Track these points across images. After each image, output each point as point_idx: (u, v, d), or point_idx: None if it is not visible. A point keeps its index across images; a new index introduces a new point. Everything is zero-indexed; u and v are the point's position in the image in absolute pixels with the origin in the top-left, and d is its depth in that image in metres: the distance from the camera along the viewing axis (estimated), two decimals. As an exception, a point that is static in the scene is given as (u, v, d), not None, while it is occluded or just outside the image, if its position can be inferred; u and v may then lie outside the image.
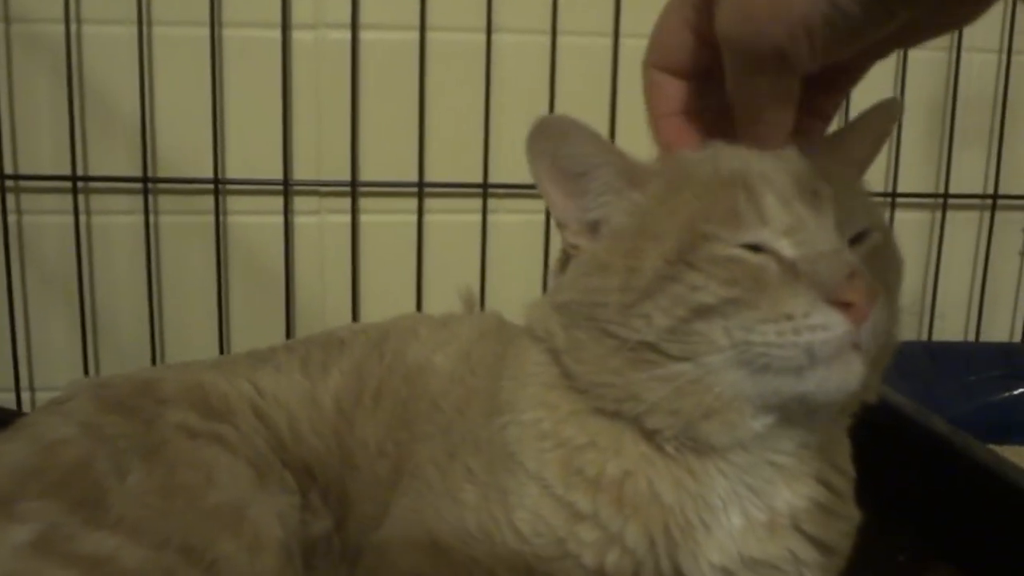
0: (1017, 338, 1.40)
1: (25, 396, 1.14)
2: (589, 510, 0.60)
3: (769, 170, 0.58)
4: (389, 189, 1.18)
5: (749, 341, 0.54)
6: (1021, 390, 1.24)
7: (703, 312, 0.55)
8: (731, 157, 0.60)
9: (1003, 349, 1.34)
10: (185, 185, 1.13)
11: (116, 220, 1.14)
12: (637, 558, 0.59)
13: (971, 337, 1.36)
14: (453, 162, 1.18)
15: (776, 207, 0.56)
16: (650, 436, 0.59)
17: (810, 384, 0.54)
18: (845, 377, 0.53)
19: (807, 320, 0.52)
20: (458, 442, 0.69)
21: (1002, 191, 1.33)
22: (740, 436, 0.58)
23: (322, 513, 0.74)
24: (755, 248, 0.56)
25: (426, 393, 0.77)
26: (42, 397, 1.13)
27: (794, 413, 0.57)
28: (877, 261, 0.57)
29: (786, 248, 0.55)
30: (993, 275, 1.36)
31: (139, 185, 1.11)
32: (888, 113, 0.66)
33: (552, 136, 0.61)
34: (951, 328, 1.37)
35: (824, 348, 0.52)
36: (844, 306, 0.52)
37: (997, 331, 1.40)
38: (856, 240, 0.58)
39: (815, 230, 0.55)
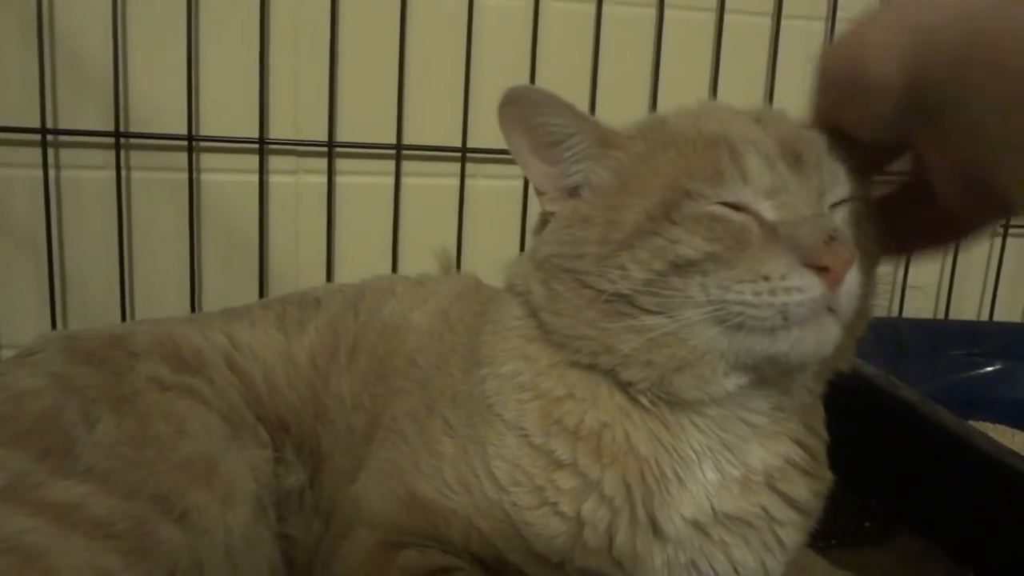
0: (985, 317, 1.42)
1: (-9, 353, 1.12)
2: (568, 458, 0.60)
3: (753, 132, 0.59)
4: (367, 150, 1.17)
5: (726, 300, 0.54)
6: (986, 368, 1.26)
7: (682, 267, 0.55)
8: (715, 118, 0.61)
9: (970, 328, 1.36)
10: (158, 141, 1.11)
11: (86, 175, 1.11)
12: (614, 507, 0.60)
13: (940, 316, 1.38)
14: (432, 125, 1.18)
15: (759, 168, 0.57)
16: (625, 389, 0.60)
17: (784, 345, 0.54)
18: (819, 339, 0.54)
19: (784, 282, 0.53)
20: (436, 396, 0.69)
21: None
22: (712, 392, 0.58)
23: (295, 467, 0.74)
24: (737, 207, 0.56)
25: (403, 349, 0.77)
26: (7, 354, 1.10)
27: (768, 374, 0.58)
28: (857, 229, 0.58)
29: (767, 210, 0.56)
30: (963, 254, 1.37)
31: (111, 140, 1.09)
32: None
33: (523, 106, 0.62)
34: (921, 306, 1.39)
35: (799, 310, 0.53)
36: (821, 270, 0.53)
37: (966, 311, 1.42)
38: (837, 206, 0.58)
39: (796, 193, 0.56)
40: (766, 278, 0.53)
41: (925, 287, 1.39)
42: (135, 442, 0.64)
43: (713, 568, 0.61)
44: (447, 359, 0.71)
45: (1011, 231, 1.39)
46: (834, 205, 0.58)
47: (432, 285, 0.87)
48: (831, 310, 0.54)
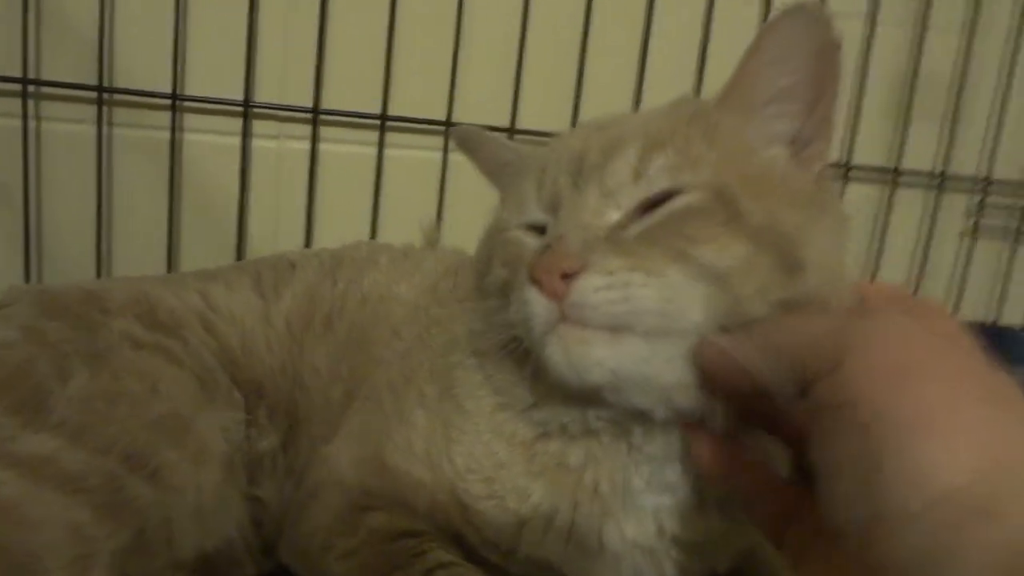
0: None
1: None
2: (507, 460, 0.61)
3: (569, 146, 0.58)
4: (351, 119, 1.16)
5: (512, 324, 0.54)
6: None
7: (504, 291, 0.56)
8: (574, 134, 0.61)
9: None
10: (141, 98, 1.10)
11: (67, 128, 1.10)
12: (547, 514, 0.60)
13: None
14: (418, 97, 1.17)
15: (541, 187, 0.57)
16: None
17: (549, 365, 0.51)
18: (568, 352, 0.49)
19: (519, 296, 0.52)
20: (415, 368, 0.70)
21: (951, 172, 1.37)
22: (574, 423, 0.57)
23: (268, 431, 0.75)
24: (542, 229, 0.56)
25: (387, 320, 0.78)
26: (-20, 308, 1.10)
27: (608, 402, 0.53)
28: (675, 225, 0.52)
29: (551, 226, 0.55)
30: (934, 254, 1.40)
31: (93, 94, 1.07)
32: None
33: (464, 147, 0.69)
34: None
35: (531, 324, 0.51)
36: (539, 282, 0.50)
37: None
38: (657, 203, 0.53)
39: (570, 206, 0.54)
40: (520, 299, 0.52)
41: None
42: (108, 398, 0.65)
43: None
44: (430, 332, 0.72)
45: (980, 231, 1.42)
46: (650, 204, 0.53)
47: (418, 258, 0.87)
48: (572, 321, 0.49)
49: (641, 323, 0.48)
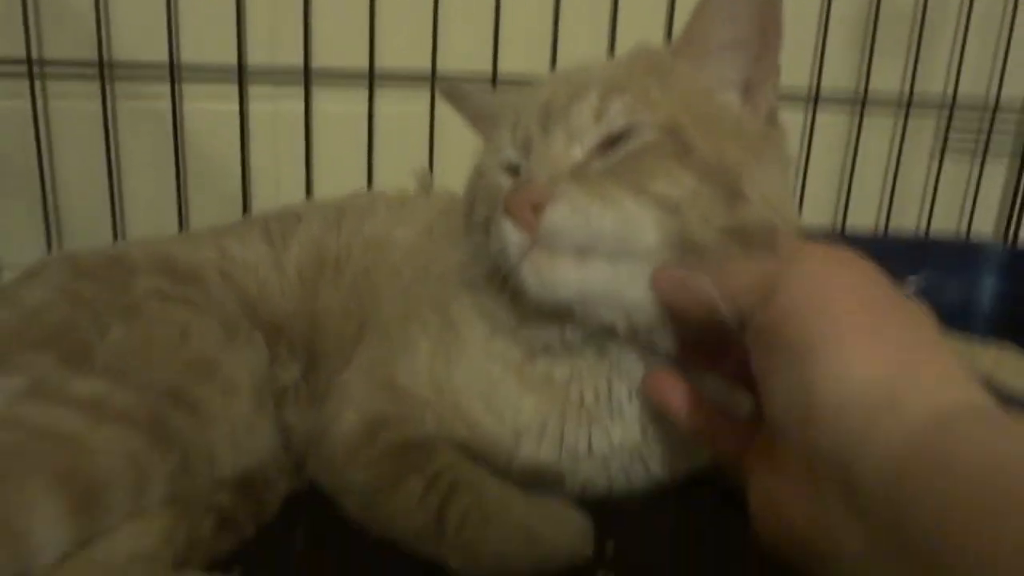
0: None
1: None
2: (501, 379, 0.69)
3: (538, 95, 0.65)
4: (341, 77, 1.21)
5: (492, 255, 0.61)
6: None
7: (485, 227, 0.63)
8: (537, 88, 0.68)
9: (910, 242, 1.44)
10: (140, 71, 1.15)
11: (72, 105, 1.15)
12: (537, 427, 0.68)
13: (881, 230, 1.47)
14: (404, 50, 1.22)
15: (514, 130, 0.64)
16: None
17: (522, 285, 0.58)
18: (540, 274, 0.56)
19: (496, 229, 0.59)
20: (416, 302, 0.77)
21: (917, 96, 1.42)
22: (551, 340, 0.65)
23: (289, 364, 0.82)
24: (516, 170, 0.64)
25: (388, 262, 0.85)
26: (6, 276, 1.16)
27: (579, 320, 0.61)
28: (635, 161, 0.58)
29: (523, 166, 0.62)
30: (904, 175, 1.46)
31: (95, 70, 1.12)
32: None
33: (451, 100, 0.76)
34: (864, 221, 1.48)
35: (507, 252, 0.57)
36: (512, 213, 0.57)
37: (907, 225, 1.51)
38: (616, 141, 0.59)
39: (539, 146, 0.61)
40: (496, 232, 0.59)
41: (866, 205, 1.48)
42: (144, 345, 0.71)
43: (649, 473, 0.70)
44: (428, 269, 0.79)
45: (948, 151, 1.47)
46: (609, 141, 0.59)
47: (413, 204, 0.94)
48: (543, 247, 0.56)
49: (602, 247, 0.56)
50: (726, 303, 0.52)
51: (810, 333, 0.45)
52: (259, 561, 0.67)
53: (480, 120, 0.75)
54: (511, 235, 0.57)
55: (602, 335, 0.63)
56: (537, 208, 0.55)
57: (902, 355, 0.43)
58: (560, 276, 0.56)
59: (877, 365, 0.42)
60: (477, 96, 0.75)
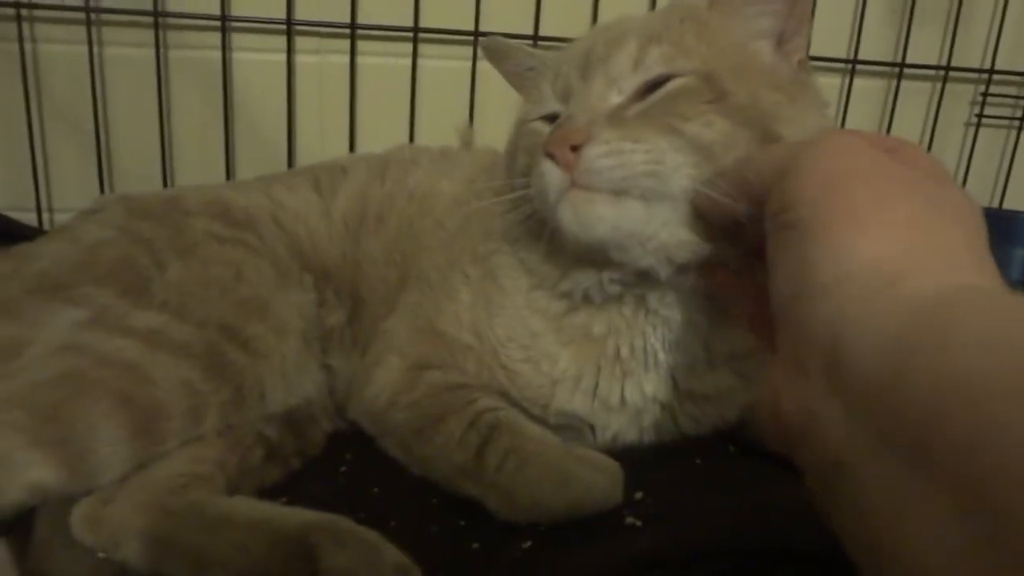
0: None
1: (44, 217, 1.22)
2: (540, 331, 0.72)
3: (578, 47, 0.68)
4: (386, 33, 1.23)
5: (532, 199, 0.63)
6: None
7: (526, 174, 0.65)
8: (577, 41, 0.70)
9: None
10: (192, 21, 1.18)
11: (126, 52, 1.19)
12: (574, 378, 0.71)
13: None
14: (448, 9, 1.23)
15: (555, 81, 0.67)
16: None
17: (559, 223, 0.60)
18: (577, 212, 0.59)
19: (537, 171, 0.61)
20: (458, 253, 0.80)
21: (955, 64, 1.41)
22: (592, 289, 0.67)
23: (336, 308, 0.86)
24: (554, 118, 0.65)
25: (431, 213, 0.88)
26: (58, 217, 1.21)
27: (614, 264, 0.64)
28: (669, 102, 0.60)
29: (563, 113, 0.64)
30: (939, 144, 1.45)
31: (150, 19, 1.15)
32: None
33: (492, 57, 0.78)
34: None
35: (547, 192, 0.60)
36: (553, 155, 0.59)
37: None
38: (653, 88, 0.62)
39: (579, 94, 0.64)
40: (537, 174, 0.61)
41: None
42: (200, 283, 0.75)
43: (678, 426, 0.73)
44: (470, 222, 0.81)
45: (984, 121, 1.47)
46: (647, 88, 0.62)
47: (456, 157, 0.96)
48: (580, 186, 0.58)
49: (637, 186, 0.58)
50: (744, 190, 0.52)
51: (821, 209, 0.44)
52: (304, 493, 0.70)
53: (520, 77, 0.77)
54: (551, 174, 0.59)
55: (640, 284, 0.65)
56: (575, 148, 0.58)
57: (911, 236, 0.42)
58: (597, 214, 0.58)
59: (883, 244, 0.41)
60: (519, 53, 0.77)
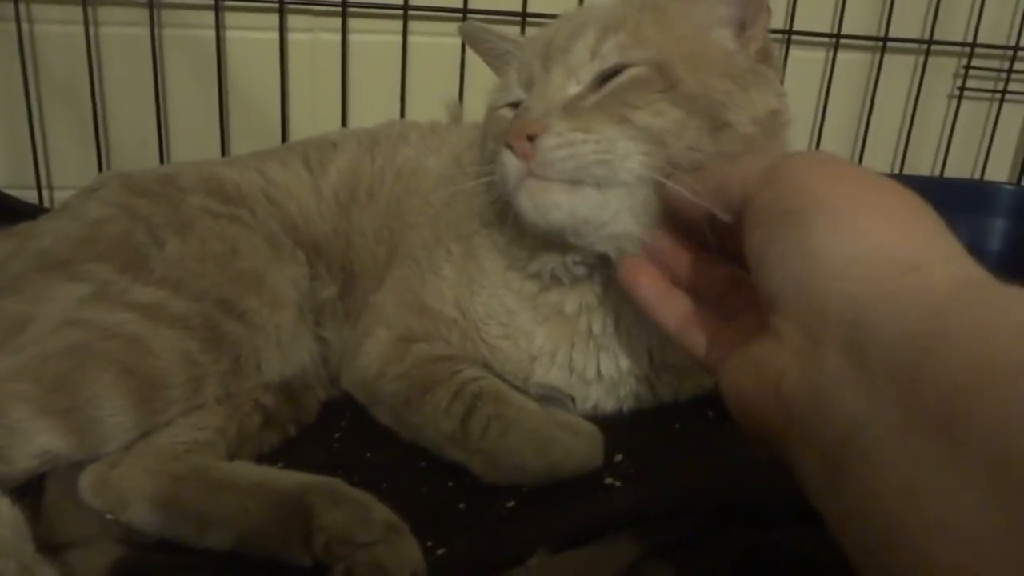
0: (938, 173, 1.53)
1: (44, 194, 1.25)
2: (516, 309, 0.75)
3: (543, 36, 0.70)
4: (376, 11, 1.25)
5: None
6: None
7: (494, 160, 0.66)
8: (543, 30, 0.73)
9: (922, 181, 1.47)
10: (186, 0, 1.20)
11: (121, 32, 1.20)
12: (549, 353, 0.74)
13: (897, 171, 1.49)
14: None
15: (519, 69, 0.69)
16: None
17: (519, 209, 0.63)
18: (534, 200, 0.62)
19: (499, 159, 0.63)
20: (443, 229, 0.83)
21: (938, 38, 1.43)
22: (556, 269, 0.70)
23: (328, 282, 0.89)
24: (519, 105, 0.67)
25: (418, 190, 0.90)
26: (58, 195, 1.23)
27: (591, 258, 0.67)
28: (623, 93, 0.62)
29: (525, 101, 0.67)
30: (922, 116, 1.48)
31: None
32: None
33: (470, 41, 0.80)
34: (880, 163, 1.50)
35: (506, 180, 0.63)
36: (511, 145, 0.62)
37: (922, 170, 1.54)
38: (609, 77, 0.64)
39: (540, 83, 0.66)
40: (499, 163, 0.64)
41: (883, 145, 1.50)
42: (197, 258, 0.77)
43: (656, 395, 0.76)
44: (456, 198, 0.84)
45: (966, 94, 1.49)
46: (606, 78, 0.63)
47: (444, 133, 0.98)
48: (536, 176, 0.60)
49: (590, 175, 0.60)
50: (723, 195, 0.53)
51: (826, 198, 0.44)
52: (300, 458, 0.73)
53: (498, 59, 0.79)
54: (510, 163, 0.62)
55: (605, 265, 0.68)
56: (532, 138, 0.60)
57: (911, 228, 0.43)
58: (552, 201, 0.61)
59: (886, 232, 0.42)
60: (495, 37, 0.79)
